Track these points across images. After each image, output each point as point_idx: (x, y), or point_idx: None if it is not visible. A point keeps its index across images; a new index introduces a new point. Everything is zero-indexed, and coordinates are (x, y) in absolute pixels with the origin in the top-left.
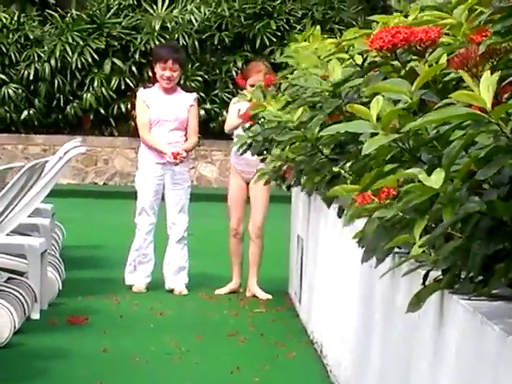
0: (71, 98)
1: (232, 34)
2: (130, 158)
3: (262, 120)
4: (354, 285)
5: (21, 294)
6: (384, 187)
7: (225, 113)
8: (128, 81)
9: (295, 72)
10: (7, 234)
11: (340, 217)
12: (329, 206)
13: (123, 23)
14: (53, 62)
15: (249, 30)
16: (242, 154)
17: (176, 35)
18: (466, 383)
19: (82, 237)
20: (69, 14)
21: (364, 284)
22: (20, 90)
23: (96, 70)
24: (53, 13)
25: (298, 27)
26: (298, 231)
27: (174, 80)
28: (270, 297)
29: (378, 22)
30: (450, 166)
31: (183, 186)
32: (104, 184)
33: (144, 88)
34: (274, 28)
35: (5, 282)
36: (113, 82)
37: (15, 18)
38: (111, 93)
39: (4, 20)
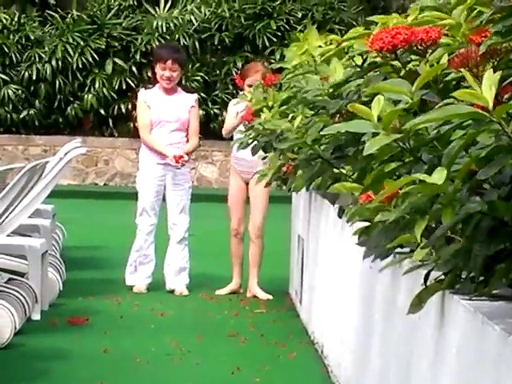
0: (72, 98)
1: (232, 35)
2: (130, 158)
3: (261, 125)
4: (355, 285)
5: (21, 295)
6: (388, 193)
7: (224, 113)
8: (129, 81)
9: (295, 72)
10: (8, 235)
11: (340, 217)
12: (332, 203)
13: (124, 24)
14: (54, 62)
15: (249, 31)
16: (244, 148)
17: (176, 36)
18: (466, 383)
19: (83, 237)
20: (69, 15)
21: (364, 284)
22: (20, 91)
23: (97, 71)
24: (53, 13)
25: (299, 28)
26: (299, 231)
27: (173, 80)
28: (270, 297)
29: (377, 23)
30: (450, 165)
31: (184, 187)
32: (104, 185)
33: (145, 89)
34: (275, 28)
35: (5, 282)
36: (114, 82)
37: (15, 19)
38: (112, 93)
39: (4, 21)
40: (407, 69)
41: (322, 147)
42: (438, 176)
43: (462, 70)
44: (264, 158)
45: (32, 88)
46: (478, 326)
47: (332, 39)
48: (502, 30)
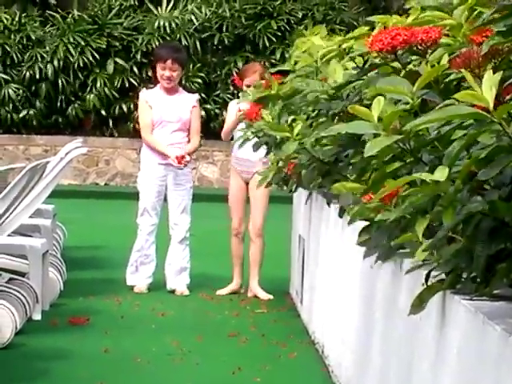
0: (73, 98)
1: (233, 35)
2: (131, 158)
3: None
4: (356, 285)
5: (22, 295)
6: (388, 191)
7: (224, 113)
8: (130, 80)
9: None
10: (8, 235)
11: (341, 217)
12: (328, 203)
13: (124, 24)
14: (55, 62)
15: (249, 31)
16: (242, 145)
17: (177, 35)
18: (467, 383)
19: (84, 237)
20: (70, 15)
21: (365, 284)
22: (21, 91)
23: (98, 71)
24: (54, 13)
25: (299, 28)
26: (300, 231)
27: (174, 80)
28: (271, 297)
29: (378, 22)
30: (451, 166)
31: (186, 187)
32: (105, 184)
33: (146, 89)
34: (275, 28)
35: (6, 282)
36: (115, 82)
37: (16, 19)
38: (114, 92)
39: (5, 21)
40: (407, 69)
41: (322, 150)
42: (440, 174)
43: (462, 70)
44: (265, 156)
45: (33, 88)
46: (479, 326)
47: (334, 39)
48: (504, 29)
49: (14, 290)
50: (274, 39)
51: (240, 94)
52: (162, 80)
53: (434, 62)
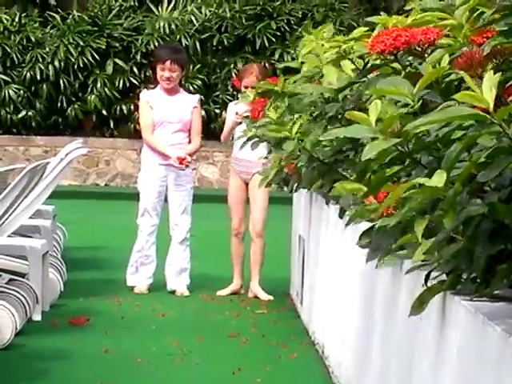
0: (74, 99)
1: (233, 36)
2: (131, 159)
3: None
4: (355, 285)
5: (22, 296)
6: (392, 200)
7: (224, 113)
8: (131, 80)
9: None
10: (9, 236)
11: (341, 217)
12: (327, 203)
13: (124, 24)
14: (56, 63)
15: (249, 31)
16: (242, 145)
17: (178, 36)
18: (467, 383)
19: (84, 238)
20: (70, 16)
21: (365, 284)
22: (22, 91)
23: (98, 72)
24: (54, 14)
25: (299, 28)
26: (300, 232)
27: (173, 81)
28: (271, 298)
29: (378, 24)
30: (451, 169)
31: (186, 188)
32: (105, 185)
33: (147, 89)
34: (275, 28)
35: (6, 283)
36: (115, 82)
37: (16, 20)
38: (114, 93)
39: (5, 21)
40: (407, 71)
41: (322, 151)
42: (438, 179)
43: (461, 72)
44: (265, 158)
45: (33, 89)
46: (479, 327)
47: (334, 40)
48: (505, 28)
49: (14, 290)
50: (273, 39)
51: (239, 96)
52: (162, 81)
53: (434, 62)
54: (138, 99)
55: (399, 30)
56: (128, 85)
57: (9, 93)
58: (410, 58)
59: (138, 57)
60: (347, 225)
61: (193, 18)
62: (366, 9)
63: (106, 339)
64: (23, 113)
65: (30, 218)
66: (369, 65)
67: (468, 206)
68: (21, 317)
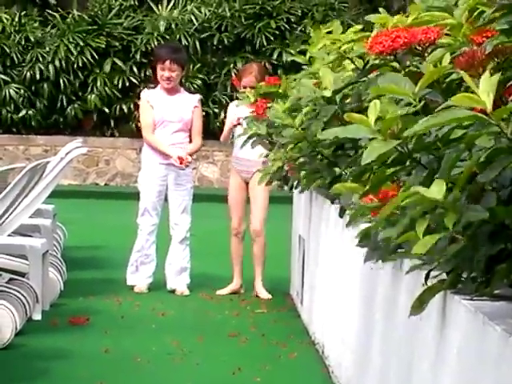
0: (74, 98)
1: (232, 35)
2: (131, 158)
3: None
4: (356, 285)
5: (22, 295)
6: (384, 190)
7: (223, 113)
8: (131, 79)
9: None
10: (9, 235)
11: (341, 217)
12: (332, 202)
13: (124, 24)
14: (57, 62)
15: (249, 30)
16: (243, 145)
17: (177, 35)
18: (467, 383)
19: (84, 237)
20: (70, 15)
21: (365, 284)
22: (22, 91)
23: (98, 71)
24: (54, 13)
25: (299, 28)
26: (300, 231)
27: (173, 80)
28: (269, 296)
29: (376, 23)
30: (449, 175)
31: (186, 187)
32: (105, 185)
33: (148, 89)
34: (274, 27)
35: (6, 282)
36: (115, 81)
37: (16, 19)
38: (115, 92)
39: (5, 21)
40: (407, 70)
41: (323, 144)
42: (437, 190)
43: (461, 72)
44: (266, 157)
45: (34, 88)
46: (479, 327)
47: (335, 39)
48: (506, 26)
49: (14, 290)
50: (272, 38)
51: (238, 95)
52: (162, 81)
53: (435, 61)
54: (139, 98)
55: (398, 30)
56: (128, 84)
57: (9, 92)
58: (411, 58)
59: (138, 56)
60: (348, 225)
61: (192, 18)
62: (366, 8)
63: (105, 339)
64: (23, 112)
65: (30, 217)
66: (368, 65)
67: (468, 212)
68: (21, 316)
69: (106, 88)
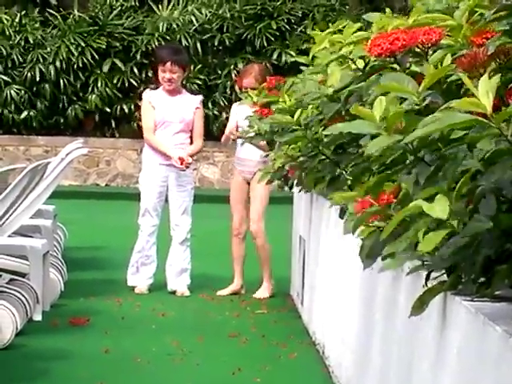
0: (75, 98)
1: (233, 36)
2: (132, 159)
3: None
4: (356, 285)
5: (23, 296)
6: (383, 194)
7: (224, 114)
8: (131, 80)
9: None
10: (9, 236)
11: (342, 217)
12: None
13: (125, 24)
14: (58, 63)
15: (250, 31)
16: (247, 143)
17: (178, 36)
18: None
19: (84, 238)
20: (71, 15)
21: (365, 285)
22: (23, 92)
23: (99, 71)
24: (55, 13)
25: (299, 28)
26: (300, 232)
27: (174, 82)
28: (266, 296)
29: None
30: (454, 174)
31: (187, 188)
32: (106, 185)
33: (150, 89)
34: (275, 28)
35: (7, 283)
36: (116, 81)
37: (17, 20)
38: (115, 92)
39: (5, 22)
40: (406, 72)
41: (323, 142)
42: (442, 210)
43: (461, 74)
44: (266, 157)
45: (35, 89)
46: (479, 327)
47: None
48: (508, 27)
49: (14, 290)
50: (273, 39)
51: (240, 96)
52: (163, 82)
53: (436, 63)
54: (139, 99)
55: (397, 32)
56: (128, 85)
57: (10, 93)
58: (410, 59)
59: (139, 56)
60: (352, 229)
61: (193, 19)
62: (367, 9)
63: (106, 339)
64: (25, 113)
65: (31, 217)
66: (368, 66)
67: (472, 222)
68: (21, 317)
69: (107, 88)
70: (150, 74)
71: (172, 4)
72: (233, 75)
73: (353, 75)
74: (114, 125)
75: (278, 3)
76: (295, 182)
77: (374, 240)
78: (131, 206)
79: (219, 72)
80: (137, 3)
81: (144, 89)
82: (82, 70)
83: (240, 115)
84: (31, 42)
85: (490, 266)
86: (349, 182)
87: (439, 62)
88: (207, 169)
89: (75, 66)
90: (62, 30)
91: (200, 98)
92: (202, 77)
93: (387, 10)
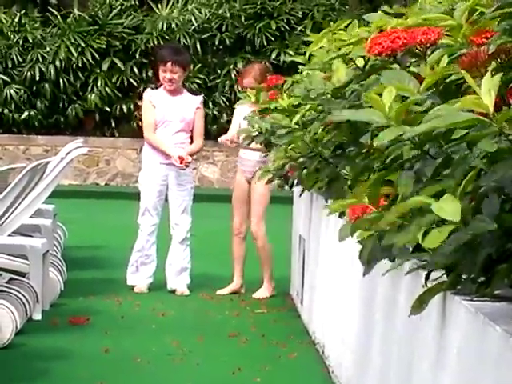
0: (75, 97)
1: (233, 35)
2: (131, 158)
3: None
4: (356, 285)
5: (22, 295)
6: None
7: (224, 115)
8: (130, 80)
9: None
10: (9, 235)
11: (341, 217)
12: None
13: (125, 23)
14: (58, 63)
15: (249, 31)
16: (249, 144)
17: (177, 36)
18: None
19: (84, 237)
20: (71, 15)
21: (365, 284)
22: (22, 91)
23: (98, 71)
24: (55, 12)
25: (299, 28)
26: (300, 231)
27: (175, 82)
28: (262, 296)
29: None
30: (457, 189)
31: (187, 187)
32: (106, 185)
33: (151, 89)
34: (274, 28)
35: (6, 282)
36: (115, 81)
37: (16, 20)
38: (115, 91)
39: (5, 21)
40: (406, 71)
41: (322, 143)
42: (453, 211)
43: (463, 72)
44: (265, 157)
45: (34, 88)
46: (479, 327)
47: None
48: (507, 27)
49: (14, 289)
50: (272, 39)
51: (241, 96)
52: (164, 82)
53: (433, 63)
54: (139, 98)
55: (397, 31)
56: (128, 84)
57: (10, 93)
58: (410, 59)
59: (138, 56)
60: (351, 234)
61: (193, 18)
62: (367, 9)
63: (105, 339)
64: (25, 113)
65: (31, 217)
66: (367, 66)
67: (475, 223)
68: (21, 316)
69: (107, 88)
70: (149, 74)
71: (171, 3)
72: (232, 75)
73: (353, 74)
74: (113, 124)
75: (278, 3)
76: (296, 181)
77: (372, 244)
78: (131, 206)
79: (219, 71)
80: (136, 2)
81: (144, 88)
82: (82, 70)
83: (242, 115)
84: (31, 41)
85: (490, 266)
86: (349, 182)
87: (436, 63)
88: (207, 168)
89: (75, 66)
90: (62, 30)
91: (201, 98)
92: (201, 76)
93: (387, 8)
